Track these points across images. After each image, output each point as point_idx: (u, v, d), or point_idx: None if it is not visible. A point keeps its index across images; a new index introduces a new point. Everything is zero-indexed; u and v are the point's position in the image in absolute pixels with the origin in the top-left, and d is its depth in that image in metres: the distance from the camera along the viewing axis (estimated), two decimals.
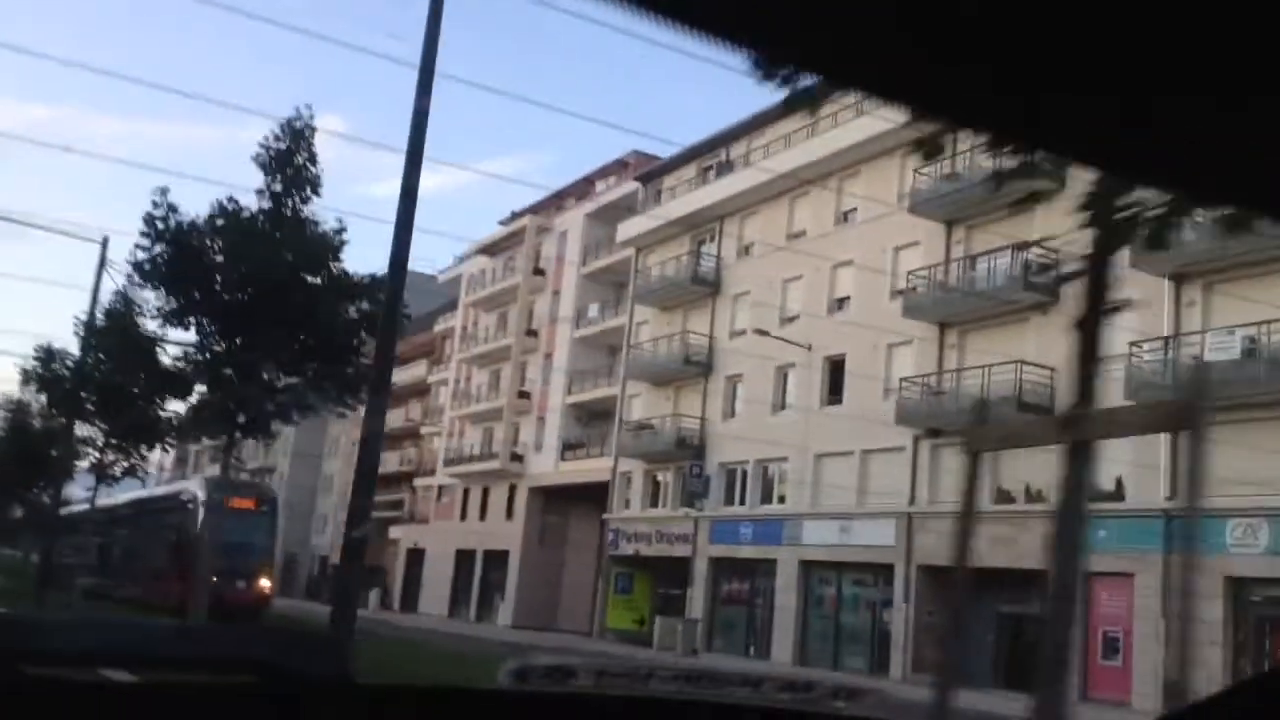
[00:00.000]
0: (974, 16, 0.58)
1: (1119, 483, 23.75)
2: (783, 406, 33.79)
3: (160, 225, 13.71)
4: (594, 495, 41.77)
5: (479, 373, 53.32)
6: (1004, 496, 26.43)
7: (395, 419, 64.21)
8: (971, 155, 28.34)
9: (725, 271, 37.44)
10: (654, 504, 38.64)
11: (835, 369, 32.02)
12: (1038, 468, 25.60)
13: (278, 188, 13.66)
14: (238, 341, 13.55)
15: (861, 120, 32.08)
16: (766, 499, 33.74)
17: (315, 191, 13.90)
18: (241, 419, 14.33)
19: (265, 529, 28.59)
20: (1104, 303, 5.74)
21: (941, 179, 28.71)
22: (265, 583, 28.31)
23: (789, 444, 32.52)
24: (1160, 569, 22.27)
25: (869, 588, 29.68)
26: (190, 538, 25.98)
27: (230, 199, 13.89)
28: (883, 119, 31.08)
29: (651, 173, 43.62)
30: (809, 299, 33.45)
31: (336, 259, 13.94)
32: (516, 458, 47.90)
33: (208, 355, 14.16)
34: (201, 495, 26.92)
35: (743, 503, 34.47)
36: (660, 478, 38.55)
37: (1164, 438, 22.65)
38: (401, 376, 66.71)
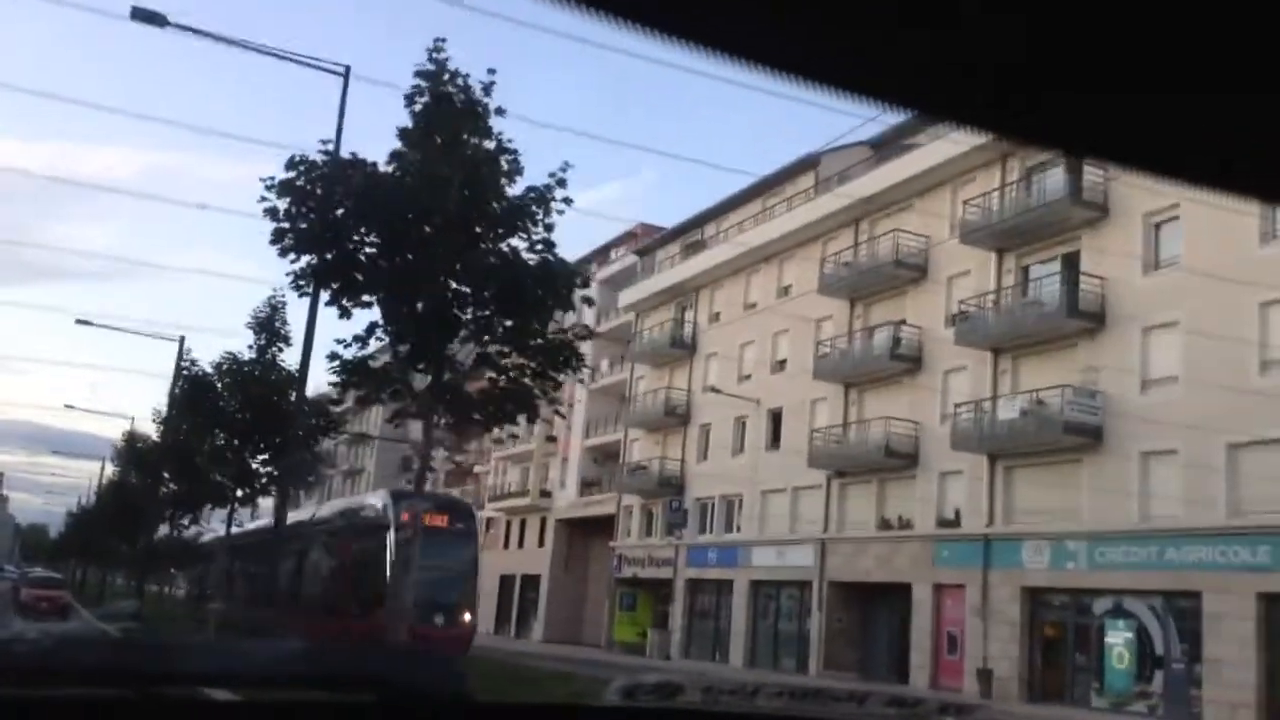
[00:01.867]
0: (974, 16, 0.59)
1: (957, 513, 29.85)
2: (740, 450, 40.30)
3: (185, 373, 21.48)
4: (606, 526, 48.73)
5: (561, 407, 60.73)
6: (885, 524, 32.65)
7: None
8: (872, 244, 34.90)
9: (700, 335, 44.18)
10: (648, 533, 45.40)
11: (775, 420, 38.49)
12: (906, 500, 32.00)
13: (262, 343, 21.28)
14: (235, 443, 21.10)
15: (796, 211, 38.85)
16: (728, 528, 40.24)
17: (287, 343, 21.46)
18: (239, 494, 21.94)
19: (466, 551, 23.67)
20: (430, 453, 12.40)
21: (842, 265, 35.16)
22: (468, 617, 23.36)
23: (743, 482, 39.05)
24: (980, 581, 28.44)
25: (796, 601, 35.99)
26: (377, 564, 22.03)
27: (229, 353, 21.68)
28: (795, 219, 37.82)
29: (648, 246, 50.72)
30: (758, 360, 40.03)
31: (292, 388, 21.32)
32: (545, 494, 55.14)
33: (218, 452, 21.76)
34: (390, 512, 22.30)
35: (711, 531, 41.05)
36: (653, 511, 45.29)
37: (986, 480, 28.93)
38: None
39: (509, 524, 59.54)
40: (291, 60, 15.77)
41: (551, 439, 55.99)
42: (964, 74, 0.65)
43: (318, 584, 24.23)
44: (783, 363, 38.84)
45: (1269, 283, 22.80)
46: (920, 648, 30.10)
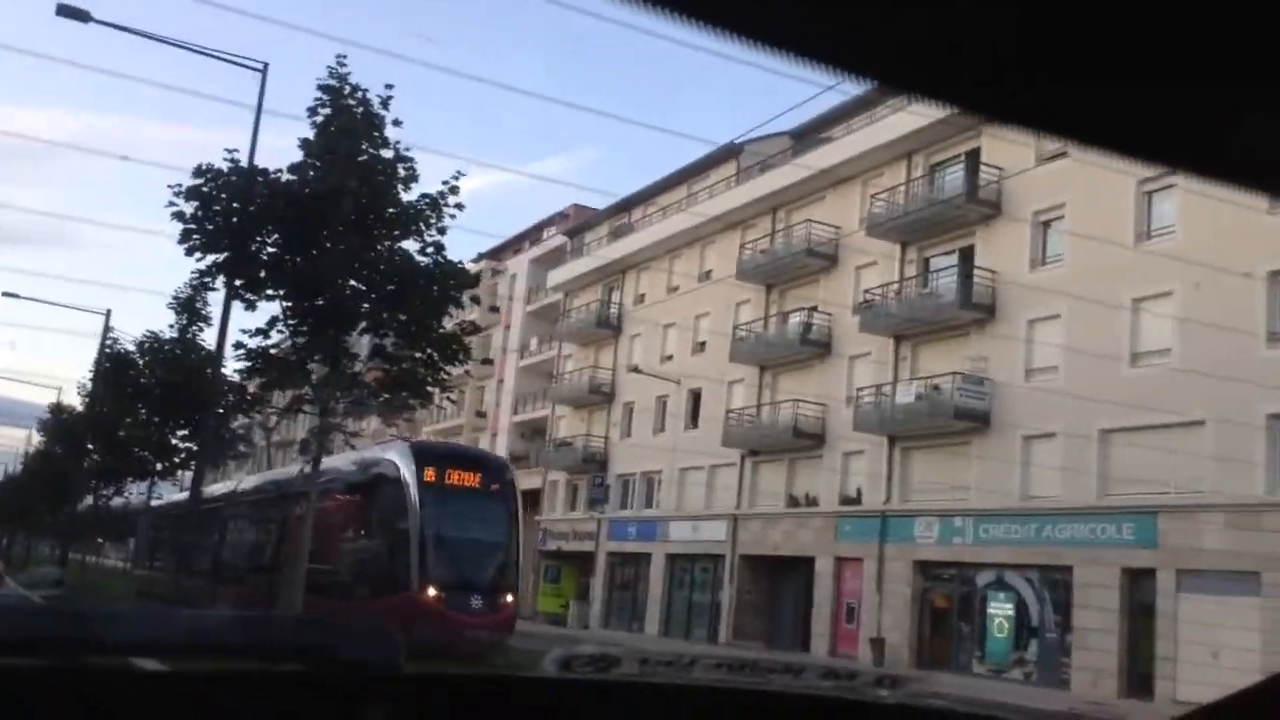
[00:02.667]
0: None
1: (858, 491, 31.45)
2: (661, 429, 41.63)
3: (108, 349, 22.28)
4: (533, 500, 49.83)
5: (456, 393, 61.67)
6: (793, 501, 34.21)
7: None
8: (788, 233, 36.25)
9: (625, 316, 45.38)
10: (572, 508, 46.69)
11: (695, 400, 39.86)
12: (813, 478, 33.53)
13: (184, 322, 22.12)
14: (156, 420, 21.98)
15: (718, 198, 40.10)
16: (648, 504, 41.63)
17: (207, 323, 22.28)
18: (159, 467, 22.88)
19: (503, 517, 19.10)
20: (328, 437, 13.48)
21: (759, 252, 36.51)
22: (510, 599, 18.78)
23: (663, 459, 40.41)
24: (877, 555, 30.08)
25: (709, 573, 37.51)
26: (393, 535, 17.83)
27: (150, 332, 22.53)
28: (716, 205, 39.03)
29: (577, 228, 51.77)
30: (680, 341, 41.34)
31: (211, 368, 22.20)
32: None
33: (141, 428, 22.62)
34: (408, 467, 18.09)
35: (632, 507, 42.41)
36: (577, 486, 46.56)
37: (885, 460, 30.47)
38: None
39: None
40: (210, 56, 16.56)
41: (481, 414, 57.00)
42: (959, 53, 0.62)
43: (314, 558, 19.22)
44: (703, 344, 40.16)
45: (1141, 280, 24.50)
46: (821, 617, 31.74)
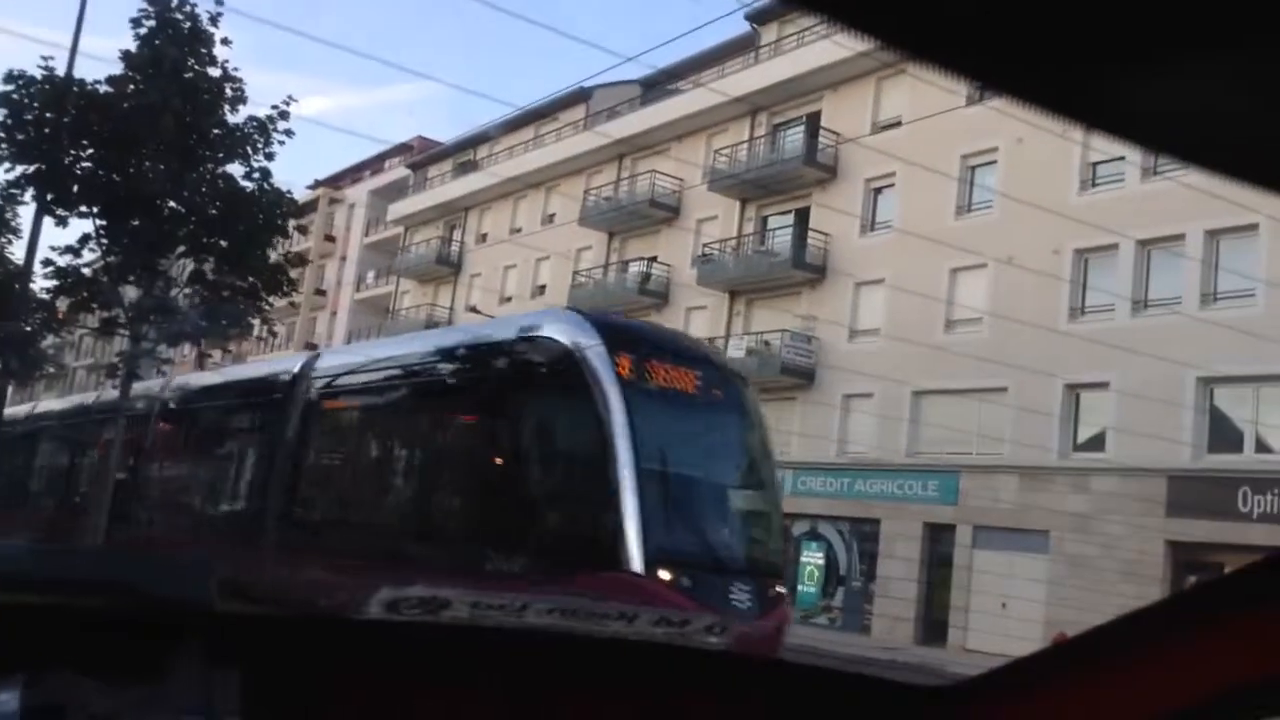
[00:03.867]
0: None
1: None
2: None
3: None
4: None
5: (279, 324, 59.79)
6: None
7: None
8: (632, 182, 36.43)
9: (466, 255, 44.91)
10: None
11: None
12: None
13: None
14: None
15: (564, 142, 39.93)
16: None
17: (16, 236, 21.04)
18: None
19: (757, 449, 11.49)
20: (137, 363, 13.10)
21: (603, 199, 36.64)
22: (780, 589, 10.82)
23: None
24: None
25: None
26: (580, 465, 10.22)
27: None
28: (563, 149, 38.90)
29: (420, 161, 50.77)
30: (520, 284, 41.21)
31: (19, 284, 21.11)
32: None
33: None
34: (595, 351, 10.14)
35: None
36: None
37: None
38: None
39: None
40: None
41: (312, 346, 55.61)
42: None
43: (426, 501, 12.06)
44: (543, 288, 40.16)
45: (958, 251, 25.73)
46: None
